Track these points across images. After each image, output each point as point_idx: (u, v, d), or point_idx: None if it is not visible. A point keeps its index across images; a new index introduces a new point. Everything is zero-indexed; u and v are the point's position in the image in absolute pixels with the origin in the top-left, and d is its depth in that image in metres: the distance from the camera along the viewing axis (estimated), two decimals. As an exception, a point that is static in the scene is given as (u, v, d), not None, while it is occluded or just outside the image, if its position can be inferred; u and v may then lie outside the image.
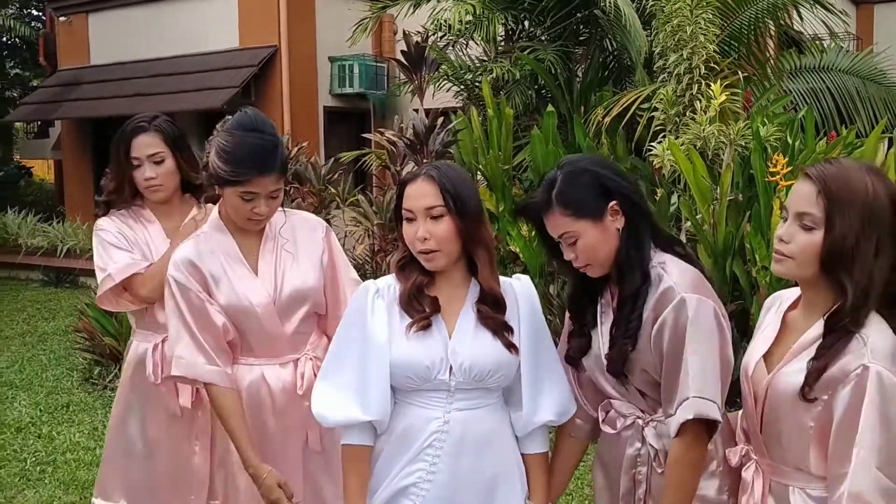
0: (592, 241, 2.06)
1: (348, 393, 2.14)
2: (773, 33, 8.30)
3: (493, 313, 2.16)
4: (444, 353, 2.13)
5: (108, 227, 2.87)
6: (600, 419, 2.21)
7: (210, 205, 2.75)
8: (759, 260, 5.35)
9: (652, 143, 6.06)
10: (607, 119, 6.71)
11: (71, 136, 15.05)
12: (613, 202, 2.06)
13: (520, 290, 2.25)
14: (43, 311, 9.98)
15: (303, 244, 2.59)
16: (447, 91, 9.89)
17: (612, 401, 2.18)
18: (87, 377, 6.82)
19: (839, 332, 1.79)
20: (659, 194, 5.92)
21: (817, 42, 9.61)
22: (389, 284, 2.22)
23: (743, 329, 5.07)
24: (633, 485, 2.13)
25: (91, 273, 10.91)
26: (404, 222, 2.17)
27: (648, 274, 2.05)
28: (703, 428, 1.98)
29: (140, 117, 2.88)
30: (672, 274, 2.03)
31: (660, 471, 2.07)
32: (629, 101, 6.64)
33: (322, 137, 12.97)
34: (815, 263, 1.81)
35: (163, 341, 2.79)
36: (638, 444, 2.12)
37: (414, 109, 13.17)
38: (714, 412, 1.96)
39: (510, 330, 2.18)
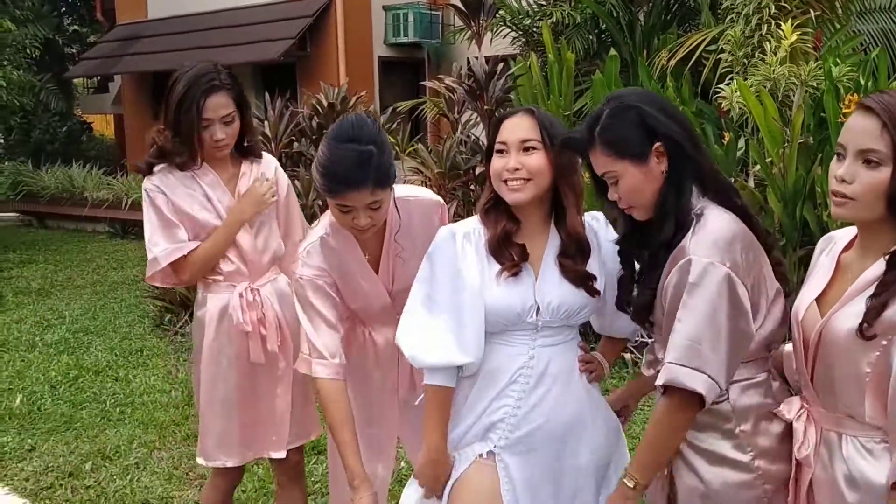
0: (634, 183, 1.95)
1: (444, 335, 2.16)
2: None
3: (575, 265, 2.17)
4: (532, 297, 2.16)
5: (158, 196, 2.77)
6: (644, 360, 2.18)
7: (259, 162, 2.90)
8: (830, 204, 5.24)
9: (719, 86, 5.92)
10: (672, 62, 6.57)
11: (131, 91, 15.30)
12: (658, 144, 1.94)
13: (599, 229, 2.28)
14: (111, 262, 10.26)
15: (420, 238, 2.46)
16: (504, 38, 9.79)
17: (656, 345, 2.12)
18: (157, 324, 7.02)
19: None
20: (727, 138, 5.80)
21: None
22: (474, 228, 2.22)
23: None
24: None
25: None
26: (495, 156, 2.18)
27: (684, 224, 1.93)
28: (687, 397, 1.87)
29: (205, 72, 2.70)
30: (698, 231, 1.90)
31: None
32: (695, 44, 6.48)
33: (377, 87, 12.97)
34: (881, 203, 1.69)
35: (247, 288, 2.85)
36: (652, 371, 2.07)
37: (469, 58, 13.11)
38: (696, 381, 1.84)
39: (594, 278, 2.20)
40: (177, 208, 2.79)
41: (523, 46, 9.22)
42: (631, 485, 1.99)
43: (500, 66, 7.11)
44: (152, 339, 6.71)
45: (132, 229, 12.13)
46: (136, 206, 11.78)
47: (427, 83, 8.19)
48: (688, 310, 1.86)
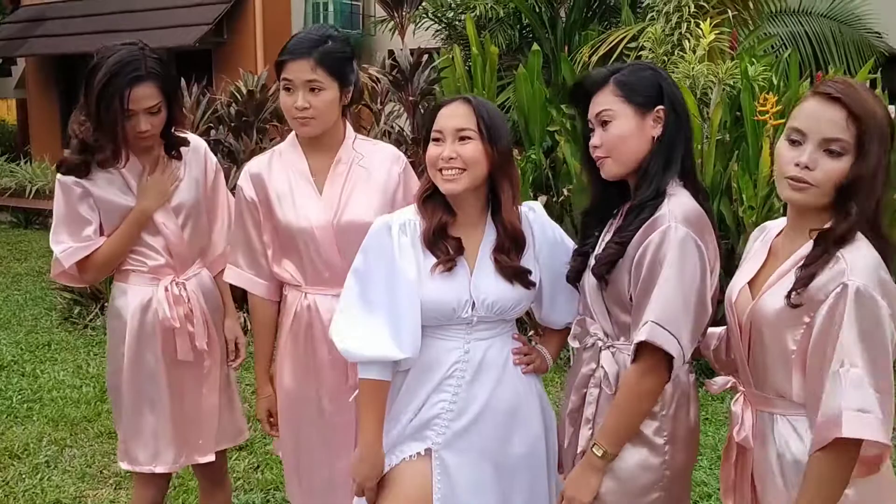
0: (625, 130, 2.01)
1: (380, 330, 2.12)
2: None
3: (510, 261, 2.16)
4: (467, 292, 2.14)
5: (71, 188, 2.59)
6: (571, 332, 2.22)
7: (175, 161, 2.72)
8: (745, 199, 5.38)
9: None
10: (594, 58, 6.65)
11: (35, 75, 14.65)
12: (661, 107, 2.03)
13: (535, 220, 2.27)
14: (15, 252, 9.80)
15: (377, 175, 2.50)
16: (426, 30, 9.77)
17: (585, 318, 2.18)
18: (66, 317, 6.73)
19: (827, 246, 1.75)
20: (647, 133, 5.91)
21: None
22: (409, 219, 2.18)
23: (728, 268, 5.12)
24: (581, 403, 2.13)
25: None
26: (431, 144, 2.15)
27: (663, 193, 2.00)
28: (660, 360, 1.93)
29: (129, 59, 2.47)
30: (672, 203, 1.97)
31: (609, 392, 2.06)
32: (616, 40, 6.58)
33: (296, 77, 12.75)
34: (834, 190, 1.74)
35: (173, 282, 2.70)
36: (593, 365, 2.10)
37: (390, 49, 13.01)
38: (670, 345, 1.90)
39: (528, 272, 2.19)
40: (95, 197, 2.61)
41: (446, 39, 9.21)
42: (599, 454, 2.02)
43: (425, 58, 7.07)
44: (61, 333, 6.43)
45: (36, 218, 11.64)
46: (41, 194, 11.30)
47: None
48: (669, 273, 1.92)
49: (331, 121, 2.45)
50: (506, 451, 2.19)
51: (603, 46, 6.68)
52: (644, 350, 1.94)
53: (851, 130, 1.72)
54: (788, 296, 1.77)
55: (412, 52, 7.16)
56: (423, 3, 8.74)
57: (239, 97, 7.54)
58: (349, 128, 2.56)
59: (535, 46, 7.07)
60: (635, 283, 1.98)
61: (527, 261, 2.19)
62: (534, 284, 2.19)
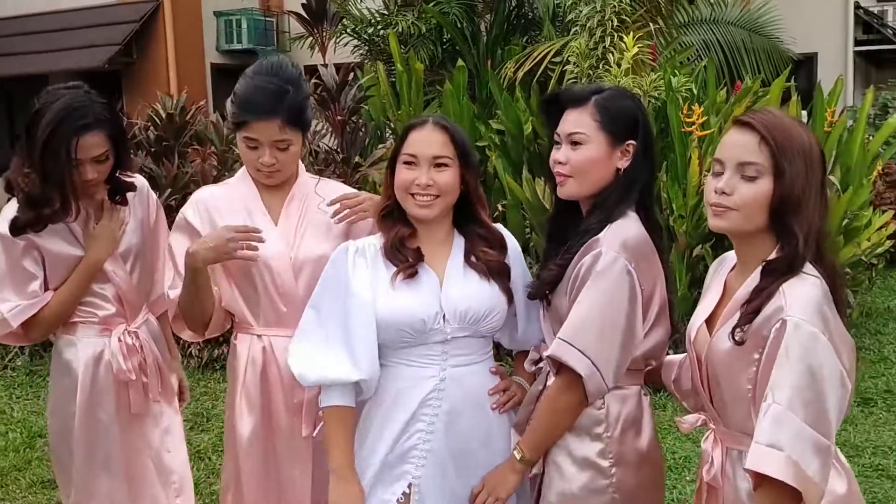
0: (592, 156, 2.02)
1: (335, 351, 2.07)
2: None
3: (496, 255, 2.15)
4: (437, 301, 2.09)
5: (13, 242, 2.43)
6: (530, 357, 2.22)
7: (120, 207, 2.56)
8: (675, 209, 5.49)
9: (568, 97, 6.09)
10: (519, 73, 6.70)
11: (-68, 100, 13.98)
12: (632, 142, 2.03)
13: (504, 234, 2.25)
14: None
15: (331, 211, 2.40)
16: (345, 46, 9.69)
17: (542, 344, 2.18)
18: (-17, 357, 6.39)
19: (773, 278, 1.75)
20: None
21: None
22: (370, 243, 2.16)
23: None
24: (527, 418, 2.12)
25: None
26: (401, 167, 2.11)
27: (610, 219, 2.00)
28: (575, 378, 1.94)
29: (76, 106, 2.34)
30: (613, 227, 1.98)
31: None
32: (541, 55, 6.64)
33: (211, 95, 12.49)
34: (763, 214, 1.76)
35: (125, 332, 2.56)
36: (540, 386, 2.11)
37: (308, 65, 12.88)
38: (578, 364, 1.92)
39: (508, 270, 2.17)
40: (40, 248, 2.46)
41: (366, 55, 9.16)
42: (518, 456, 2.06)
43: (351, 75, 7.00)
44: (-22, 375, 6.10)
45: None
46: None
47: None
48: (588, 294, 1.95)
49: (295, 167, 2.40)
50: (475, 484, 2.14)
51: (528, 62, 6.73)
52: (561, 367, 1.97)
53: (765, 153, 1.74)
54: (732, 333, 1.76)
55: (337, 69, 7.08)
56: (344, 20, 8.66)
57: (158, 121, 7.32)
58: (300, 165, 2.50)
59: (460, 62, 7.09)
60: (568, 302, 2.00)
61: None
62: (510, 293, 2.15)
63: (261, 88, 2.28)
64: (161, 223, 2.76)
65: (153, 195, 2.73)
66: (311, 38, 10.76)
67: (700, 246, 5.40)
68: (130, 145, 7.40)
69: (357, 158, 6.50)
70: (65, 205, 2.40)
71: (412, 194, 2.09)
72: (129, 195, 2.60)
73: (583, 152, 2.02)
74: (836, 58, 11.61)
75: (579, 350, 1.92)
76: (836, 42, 11.65)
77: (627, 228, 1.99)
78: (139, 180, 2.67)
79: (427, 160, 2.09)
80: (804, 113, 7.22)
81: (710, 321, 1.90)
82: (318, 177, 2.55)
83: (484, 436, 2.16)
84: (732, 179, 1.77)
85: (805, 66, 10.73)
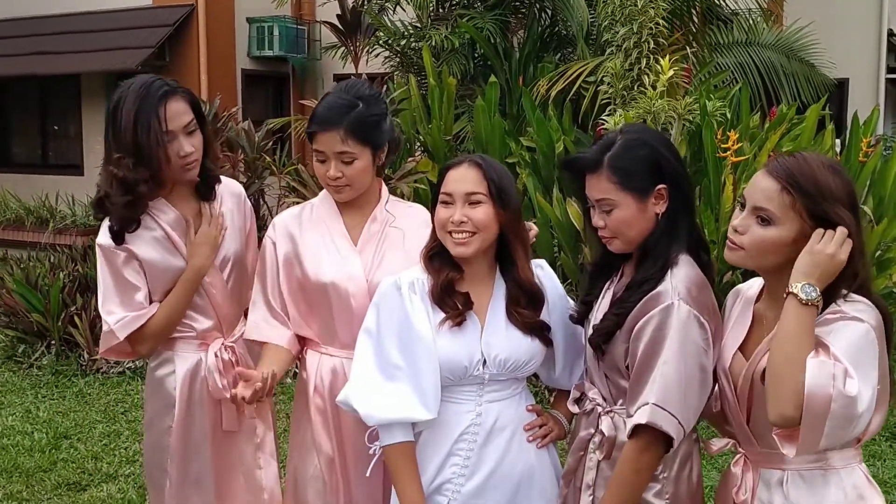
0: (628, 217, 2.00)
1: (399, 389, 2.07)
2: (697, 8, 8.44)
3: (530, 315, 2.14)
4: (478, 347, 2.11)
5: (114, 253, 2.40)
6: (572, 396, 2.22)
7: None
8: (707, 234, 5.46)
9: (601, 117, 6.07)
10: (552, 91, 6.69)
11: (-37, 97, 14.11)
12: (662, 186, 2.00)
13: (544, 277, 2.26)
14: (-53, 284, 9.37)
15: (411, 236, 2.38)
16: (376, 57, 9.72)
17: (584, 382, 2.20)
18: (9, 355, 6.44)
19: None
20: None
21: (740, 17, 9.84)
22: (417, 278, 2.17)
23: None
24: (576, 466, 2.13)
25: (9, 244, 10.17)
26: (440, 206, 2.14)
27: (668, 267, 1.98)
28: (658, 438, 1.93)
29: (152, 79, 2.34)
30: (675, 277, 1.96)
31: (599, 457, 2.07)
32: (574, 74, 6.63)
33: (240, 102, 12.54)
34: (776, 256, 1.83)
35: (222, 346, 2.52)
36: (591, 430, 2.10)
37: (338, 75, 12.93)
38: (669, 426, 1.91)
39: (547, 328, 2.17)
40: (142, 260, 2.42)
41: (397, 67, 9.18)
42: None
43: (384, 88, 7.02)
44: (4, 374, 6.14)
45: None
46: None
47: (305, 101, 7.96)
48: (672, 352, 1.91)
49: (365, 185, 2.39)
50: None
51: (561, 80, 6.71)
52: (643, 430, 1.93)
53: (783, 201, 1.80)
54: None
55: (370, 79, 7.10)
56: (378, 32, 8.68)
57: (191, 126, 7.37)
58: (384, 188, 2.50)
59: (493, 78, 7.08)
60: (633, 355, 1.98)
61: (542, 316, 2.17)
62: (551, 342, 2.17)
63: (331, 102, 2.33)
64: (254, 232, 2.72)
65: (249, 203, 2.70)
66: (342, 48, 10.79)
67: (731, 272, 5.36)
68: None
69: (387, 171, 6.51)
70: (159, 177, 2.35)
71: (450, 232, 2.11)
72: (221, 191, 2.55)
73: (615, 216, 2.01)
74: (867, 84, 11.52)
75: (670, 413, 1.91)
76: (868, 68, 11.56)
77: (689, 276, 1.98)
78: (236, 186, 2.65)
79: (461, 197, 2.10)
80: (837, 142, 7.18)
81: (742, 349, 1.95)
82: (400, 204, 2.53)
83: (527, 469, 2.16)
84: (747, 220, 1.86)
85: (835, 92, 10.64)
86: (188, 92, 2.41)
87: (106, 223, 2.43)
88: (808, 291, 1.74)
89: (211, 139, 2.48)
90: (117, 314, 2.40)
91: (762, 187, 1.83)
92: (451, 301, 2.12)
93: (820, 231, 1.78)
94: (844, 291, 1.79)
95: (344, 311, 2.36)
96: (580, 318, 2.19)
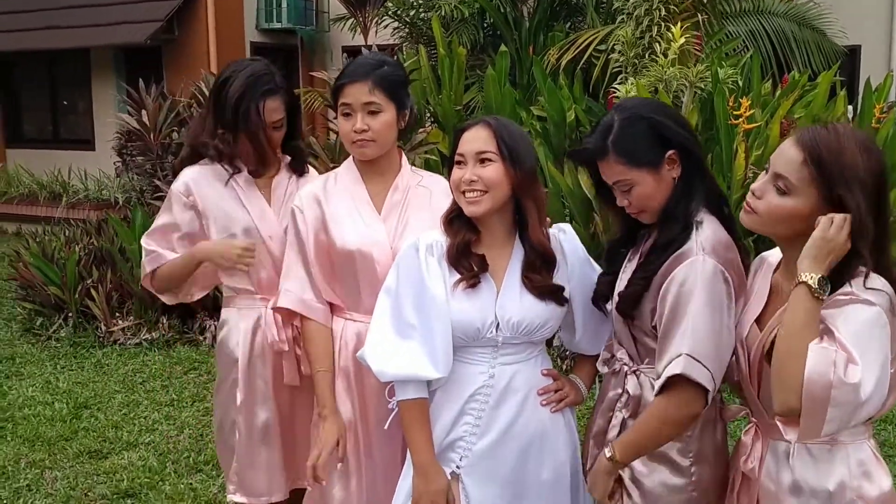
0: (648, 190, 2.01)
1: (414, 349, 2.11)
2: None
3: (542, 279, 2.16)
4: (492, 310, 2.13)
5: (180, 197, 2.64)
6: (602, 357, 2.25)
7: None
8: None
9: (613, 86, 6.06)
10: (563, 60, 6.66)
11: (-27, 72, 14.14)
12: (671, 151, 2.01)
13: (565, 241, 2.27)
14: (-37, 259, 9.47)
15: (436, 200, 2.41)
16: (385, 28, 9.68)
17: (613, 343, 2.21)
18: (27, 328, 6.52)
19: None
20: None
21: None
22: (436, 240, 2.20)
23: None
24: (606, 426, 2.15)
25: (23, 218, 10.25)
26: (454, 168, 2.17)
27: (690, 226, 2.00)
28: (694, 393, 1.92)
29: (263, 72, 2.55)
30: (701, 234, 1.97)
31: (626, 415, 2.09)
32: (585, 43, 6.60)
33: (249, 75, 12.52)
34: (790, 226, 1.81)
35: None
36: (619, 390, 2.13)
37: (345, 46, 12.89)
38: (702, 377, 1.89)
39: (561, 290, 2.19)
40: (206, 203, 2.63)
41: (407, 37, 9.15)
42: (608, 455, 2.04)
43: (394, 58, 7.00)
44: (23, 346, 6.22)
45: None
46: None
47: (314, 73, 7.95)
48: (700, 305, 1.91)
49: (388, 143, 2.44)
50: (528, 479, 2.18)
51: (572, 49, 6.69)
52: (676, 382, 1.92)
53: (803, 174, 1.77)
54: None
55: (381, 51, 7.08)
56: (386, 2, 8.65)
57: (202, 98, 7.40)
58: (405, 157, 2.55)
59: (503, 48, 7.07)
60: (660, 313, 1.98)
61: (559, 279, 2.20)
62: (566, 300, 2.19)
63: (360, 61, 2.46)
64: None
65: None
66: (351, 20, 10.75)
67: (743, 240, 5.37)
68: (174, 122, 7.51)
69: (399, 143, 6.52)
70: (264, 159, 2.61)
71: (463, 192, 2.14)
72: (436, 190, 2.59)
73: (636, 193, 2.03)
74: (879, 51, 11.41)
75: (703, 364, 1.89)
76: (881, 35, 11.44)
77: (712, 234, 1.98)
78: (313, 176, 2.77)
79: (472, 156, 2.13)
80: (849, 108, 7.14)
81: (759, 320, 1.94)
82: (424, 171, 2.61)
83: (539, 431, 2.19)
84: (767, 185, 1.84)
85: (848, 59, 10.55)
86: (287, 92, 2.62)
87: (185, 173, 2.68)
88: (821, 284, 1.72)
89: (300, 124, 2.73)
90: (151, 246, 2.67)
91: (787, 155, 1.80)
92: (467, 263, 2.14)
93: (825, 217, 1.75)
94: (864, 270, 1.75)
95: (368, 278, 2.40)
96: (605, 293, 2.20)
